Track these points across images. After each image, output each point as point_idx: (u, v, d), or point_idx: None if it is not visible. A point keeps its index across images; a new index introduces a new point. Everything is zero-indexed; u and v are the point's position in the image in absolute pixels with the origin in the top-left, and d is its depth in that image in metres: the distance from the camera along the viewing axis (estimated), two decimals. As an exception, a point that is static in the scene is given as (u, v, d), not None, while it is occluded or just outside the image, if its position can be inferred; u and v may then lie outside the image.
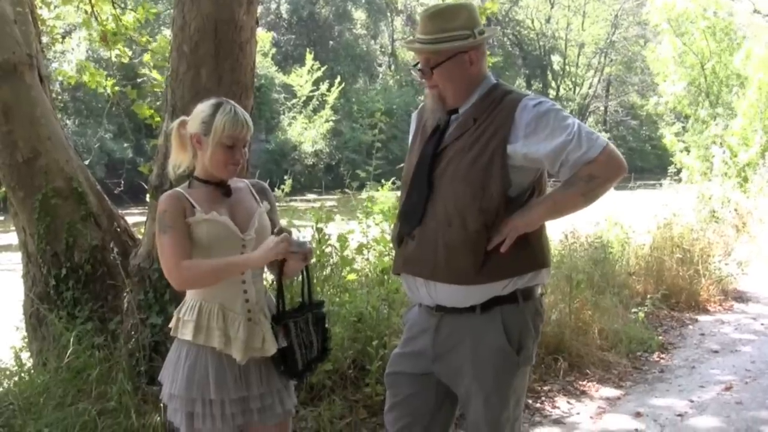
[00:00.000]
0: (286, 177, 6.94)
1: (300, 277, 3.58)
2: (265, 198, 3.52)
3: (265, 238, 3.30)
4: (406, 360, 3.38)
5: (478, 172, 3.08)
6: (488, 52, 3.44)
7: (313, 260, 6.17)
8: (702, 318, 9.35)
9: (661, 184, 15.21)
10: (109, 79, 8.64)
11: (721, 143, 19.23)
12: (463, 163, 3.12)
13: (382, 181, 7.58)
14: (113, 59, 8.76)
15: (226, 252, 3.23)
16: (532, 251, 3.19)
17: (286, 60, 49.66)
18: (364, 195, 7.42)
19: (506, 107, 3.14)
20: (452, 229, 3.11)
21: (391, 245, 5.58)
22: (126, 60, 8.80)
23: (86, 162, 6.74)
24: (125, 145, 31.10)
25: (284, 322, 3.38)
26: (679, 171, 16.46)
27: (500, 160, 3.07)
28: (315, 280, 6.09)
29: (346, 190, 7.85)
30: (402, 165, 3.54)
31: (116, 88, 8.66)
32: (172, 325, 3.37)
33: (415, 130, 3.51)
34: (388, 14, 60.34)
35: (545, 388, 6.51)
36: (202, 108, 3.29)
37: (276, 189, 6.06)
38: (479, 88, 3.25)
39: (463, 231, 3.09)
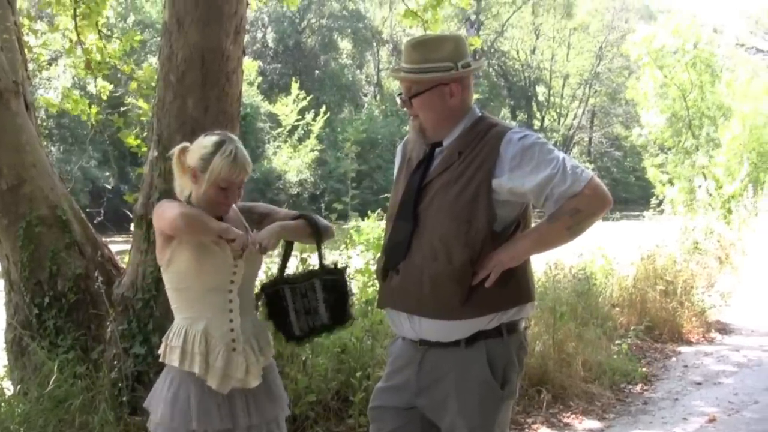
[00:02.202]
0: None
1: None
2: (253, 220, 3.52)
3: (257, 265, 3.33)
4: (389, 394, 3.36)
5: (463, 206, 3.09)
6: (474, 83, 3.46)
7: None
8: (685, 349, 9.37)
9: (644, 216, 15.25)
10: (92, 107, 8.64)
11: (704, 175, 19.33)
12: (448, 197, 3.12)
13: (369, 212, 7.58)
14: (95, 91, 8.76)
15: (215, 277, 3.24)
16: (517, 286, 3.19)
17: (272, 89, 49.68)
18: (347, 225, 7.41)
19: (491, 141, 3.14)
20: (437, 263, 3.10)
21: (374, 276, 5.58)
22: (105, 97, 8.79)
23: (69, 188, 6.71)
24: (107, 173, 31.00)
25: (278, 287, 3.41)
26: (660, 203, 16.49)
27: (485, 194, 3.07)
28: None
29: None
30: (385, 195, 3.54)
31: (100, 116, 8.65)
32: (161, 351, 3.36)
33: (400, 162, 3.52)
34: (374, 44, 60.51)
35: (528, 420, 6.50)
36: (205, 144, 3.28)
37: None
38: (463, 121, 3.25)
39: (448, 265, 3.08)
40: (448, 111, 3.24)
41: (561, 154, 3.11)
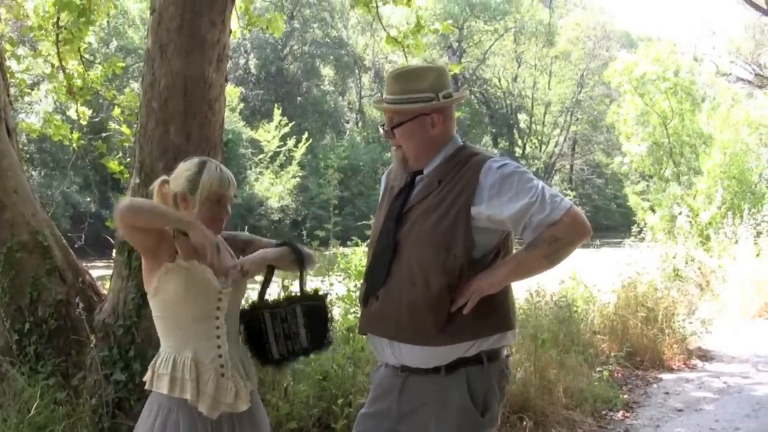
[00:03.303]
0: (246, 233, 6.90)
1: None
2: (237, 248, 3.54)
3: (242, 291, 3.34)
4: (371, 420, 3.36)
5: (442, 233, 3.11)
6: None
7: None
8: (666, 376, 9.38)
9: (625, 243, 15.30)
10: (74, 132, 8.63)
11: (680, 203, 19.43)
12: (427, 224, 3.14)
13: (352, 240, 7.58)
14: (75, 116, 8.76)
15: (203, 303, 3.25)
16: (496, 313, 3.20)
17: (254, 115, 49.70)
18: (328, 252, 7.41)
19: (471, 169, 3.17)
20: (415, 290, 3.12)
21: (356, 303, 5.58)
22: (85, 122, 8.80)
23: (50, 213, 6.69)
24: (88, 199, 30.89)
25: (258, 311, 3.44)
26: (641, 230, 16.55)
27: (464, 221, 3.10)
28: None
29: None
30: (365, 222, 3.56)
31: (81, 141, 8.65)
32: (147, 378, 3.33)
33: (383, 190, 3.55)
34: (356, 71, 60.71)
35: (510, 447, 6.50)
36: (187, 167, 3.33)
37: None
38: (444, 150, 3.29)
39: (426, 291, 3.10)
40: (429, 140, 3.28)
41: (540, 183, 3.13)
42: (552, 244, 3.06)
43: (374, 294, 3.28)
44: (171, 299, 3.23)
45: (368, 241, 3.68)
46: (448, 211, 3.13)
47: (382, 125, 3.39)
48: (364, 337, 3.66)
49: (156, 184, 3.42)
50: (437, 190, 3.20)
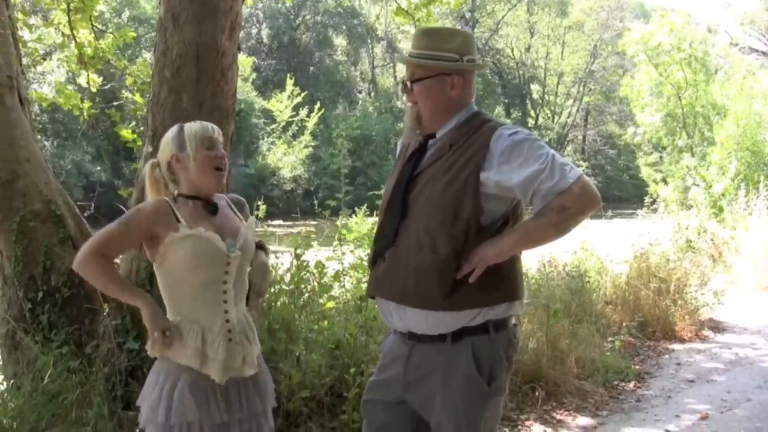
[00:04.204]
0: (260, 202, 6.89)
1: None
2: (245, 213, 3.54)
3: (250, 256, 3.33)
4: (380, 387, 3.37)
5: (450, 198, 3.10)
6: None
7: (292, 287, 6.20)
8: (678, 347, 9.39)
9: (637, 214, 15.25)
10: (85, 101, 8.62)
11: (693, 175, 19.37)
12: (437, 188, 3.13)
13: (356, 208, 7.57)
14: (85, 84, 8.74)
15: (211, 270, 3.23)
16: (504, 283, 3.19)
17: (266, 85, 49.70)
18: (339, 222, 7.41)
19: (482, 135, 3.16)
20: (422, 253, 3.11)
21: (368, 272, 5.59)
22: (95, 89, 8.78)
23: (62, 182, 6.70)
24: (99, 168, 30.98)
25: None
26: (653, 201, 16.48)
27: (473, 186, 3.08)
28: (293, 307, 6.10)
29: (318, 219, 7.76)
30: (376, 192, 3.54)
31: (93, 110, 8.63)
32: (149, 346, 3.29)
33: (399, 153, 3.55)
34: (369, 41, 60.54)
35: (522, 416, 6.51)
36: (167, 134, 3.36)
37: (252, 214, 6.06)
38: (458, 115, 3.28)
39: (432, 255, 3.09)
40: (446, 101, 3.27)
41: (551, 151, 3.11)
42: (561, 212, 3.03)
43: (382, 255, 3.28)
44: (179, 268, 3.21)
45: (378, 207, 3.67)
46: (457, 175, 3.12)
47: (403, 81, 3.38)
48: (376, 306, 3.64)
49: (147, 169, 3.39)
50: (448, 154, 3.19)
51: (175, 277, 3.24)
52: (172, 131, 3.34)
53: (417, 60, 3.26)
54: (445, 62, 3.22)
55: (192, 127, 3.31)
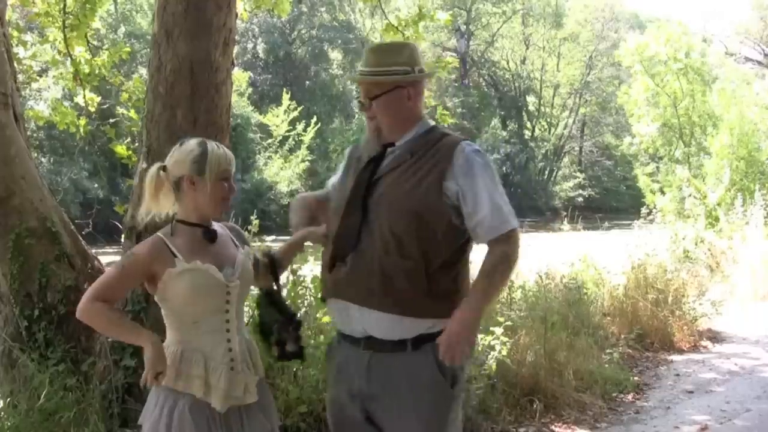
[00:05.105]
0: (253, 217, 6.89)
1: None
2: (242, 241, 3.52)
3: (249, 284, 3.34)
4: (342, 403, 3.43)
5: (415, 202, 3.19)
6: (428, 94, 3.57)
7: (288, 302, 6.18)
8: (676, 358, 9.37)
9: (634, 225, 15.24)
10: (81, 118, 8.62)
11: (688, 185, 19.37)
12: (400, 192, 3.23)
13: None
14: (83, 103, 8.74)
15: (211, 301, 3.21)
16: (458, 296, 3.26)
17: (263, 100, 49.67)
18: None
19: (445, 147, 3.29)
20: (389, 256, 3.18)
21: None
22: (93, 108, 8.78)
23: (58, 200, 6.68)
24: (95, 185, 30.94)
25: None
26: (650, 212, 16.45)
27: (436, 192, 3.20)
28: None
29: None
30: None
31: (89, 127, 8.63)
32: (143, 378, 3.24)
33: (346, 164, 3.62)
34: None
35: (521, 430, 6.50)
36: (190, 149, 3.27)
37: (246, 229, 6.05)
38: (416, 127, 3.41)
39: (399, 259, 3.17)
40: (405, 113, 3.39)
41: (503, 191, 3.27)
42: (503, 263, 3.21)
43: (342, 259, 3.31)
44: (179, 301, 3.20)
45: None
46: (421, 181, 3.23)
47: (358, 98, 3.49)
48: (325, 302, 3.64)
49: (153, 171, 3.33)
50: (410, 161, 3.30)
51: (177, 309, 3.23)
52: (194, 150, 3.27)
53: (372, 78, 3.37)
54: (400, 75, 3.33)
55: (215, 153, 3.26)
